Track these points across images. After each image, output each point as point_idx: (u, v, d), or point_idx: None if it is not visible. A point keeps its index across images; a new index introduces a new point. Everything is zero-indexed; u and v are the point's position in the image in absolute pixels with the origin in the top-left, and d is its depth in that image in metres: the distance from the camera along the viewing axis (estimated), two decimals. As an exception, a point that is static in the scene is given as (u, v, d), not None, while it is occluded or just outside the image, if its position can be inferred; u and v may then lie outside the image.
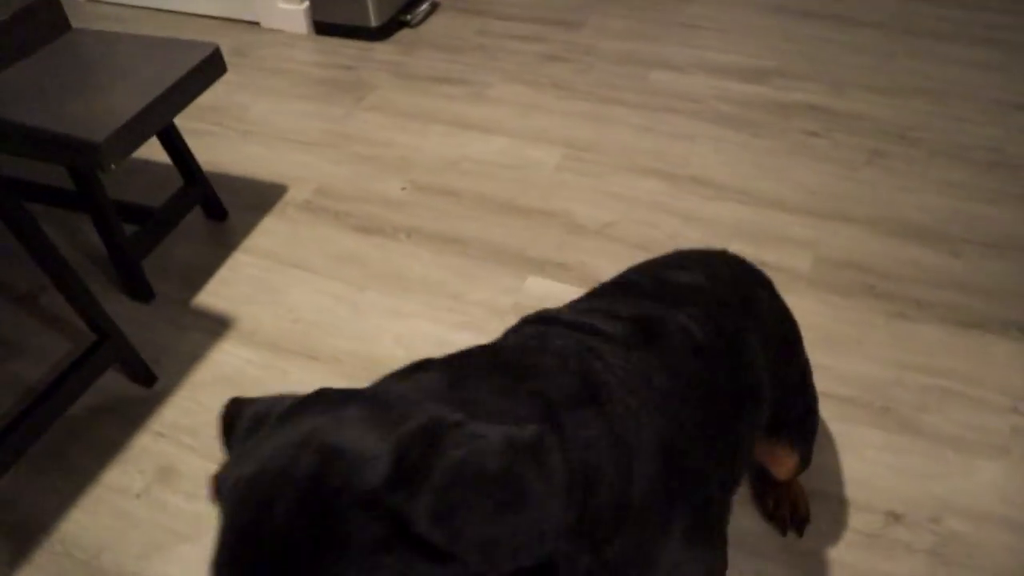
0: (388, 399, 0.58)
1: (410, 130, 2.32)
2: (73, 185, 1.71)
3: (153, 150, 2.26)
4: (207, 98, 2.50)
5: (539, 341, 0.79)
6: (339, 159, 2.22)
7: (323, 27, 2.82)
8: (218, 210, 2.02)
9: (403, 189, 2.10)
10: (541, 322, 0.86)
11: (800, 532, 1.32)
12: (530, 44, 2.70)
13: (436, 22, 2.89)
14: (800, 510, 1.33)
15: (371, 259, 1.90)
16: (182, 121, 2.38)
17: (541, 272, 1.82)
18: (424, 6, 2.88)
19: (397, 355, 1.66)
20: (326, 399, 0.57)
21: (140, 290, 1.81)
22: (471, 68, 2.59)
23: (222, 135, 2.35)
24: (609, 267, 1.34)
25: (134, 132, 1.53)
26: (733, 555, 1.29)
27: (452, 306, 1.76)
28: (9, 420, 1.42)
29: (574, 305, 0.94)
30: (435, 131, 2.31)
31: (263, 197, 2.10)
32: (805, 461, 1.23)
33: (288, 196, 2.10)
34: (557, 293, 1.75)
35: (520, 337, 0.83)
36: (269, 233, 1.99)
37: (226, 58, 1.76)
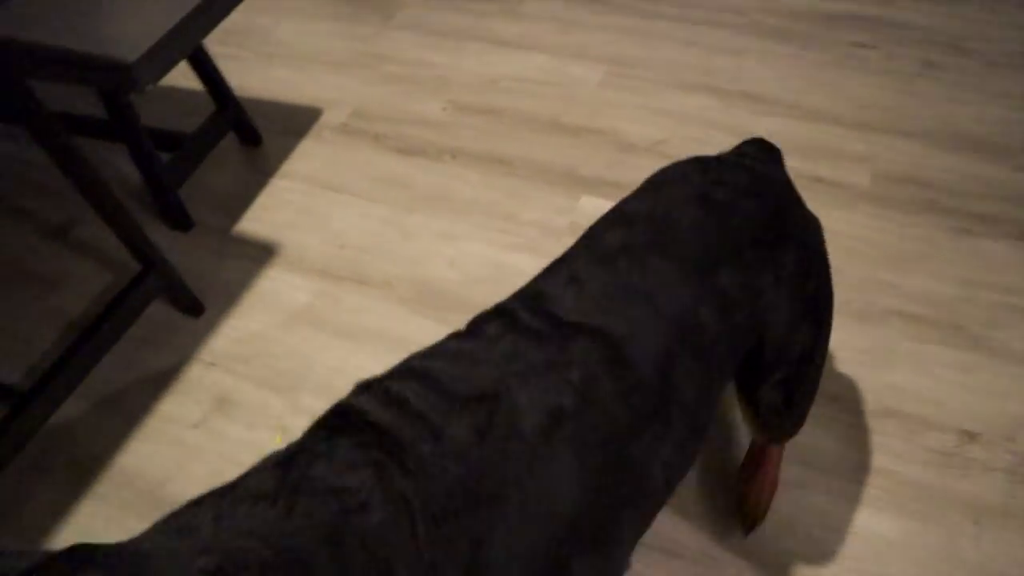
0: (137, 558, 0.52)
1: (444, 48, 2.23)
2: (106, 114, 1.64)
3: (179, 76, 2.18)
4: (228, 21, 2.40)
5: (336, 446, 0.66)
6: (373, 80, 2.14)
7: (342, -57, 2.70)
8: (252, 135, 1.94)
9: (443, 109, 2.02)
10: (364, 392, 0.72)
11: (745, 532, 1.21)
12: (560, -43, 2.57)
13: (459, -65, 2.76)
14: (758, 507, 1.20)
15: (416, 181, 1.84)
16: (205, 45, 2.30)
17: (595, 192, 1.76)
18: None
19: (451, 278, 1.62)
20: (66, 563, 0.50)
21: (179, 219, 1.76)
22: (500, -17, 2.47)
23: (247, 59, 2.26)
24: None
25: (167, 51, 1.46)
26: (806, 473, 1.27)
27: (505, 227, 1.71)
28: (59, 354, 1.40)
29: (418, 361, 0.76)
30: (470, 49, 2.21)
31: (297, 121, 2.03)
32: (766, 429, 1.06)
33: (323, 119, 2.03)
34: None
35: (326, 438, 0.69)
36: (307, 157, 1.92)
37: (253, -26, 1.68)
